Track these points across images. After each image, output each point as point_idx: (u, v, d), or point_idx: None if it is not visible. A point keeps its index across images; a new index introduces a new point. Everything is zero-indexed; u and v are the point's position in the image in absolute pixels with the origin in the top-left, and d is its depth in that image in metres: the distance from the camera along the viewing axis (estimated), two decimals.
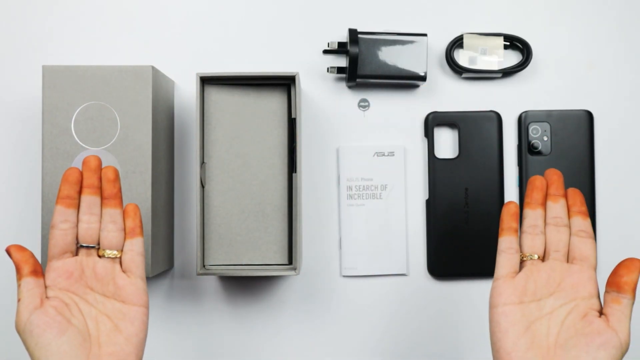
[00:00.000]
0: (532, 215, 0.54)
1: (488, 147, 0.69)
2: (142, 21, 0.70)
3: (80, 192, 0.52)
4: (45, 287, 0.51)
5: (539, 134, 0.69)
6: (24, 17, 0.70)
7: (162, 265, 0.65)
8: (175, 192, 0.70)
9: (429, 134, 0.70)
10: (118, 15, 0.70)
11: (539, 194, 0.54)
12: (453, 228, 0.69)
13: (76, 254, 0.53)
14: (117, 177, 0.53)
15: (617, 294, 0.50)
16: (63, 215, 0.51)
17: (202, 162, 0.63)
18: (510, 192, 0.70)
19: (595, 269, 0.53)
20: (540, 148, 0.69)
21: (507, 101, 0.71)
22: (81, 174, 0.52)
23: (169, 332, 0.69)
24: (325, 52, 0.69)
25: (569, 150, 0.69)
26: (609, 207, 0.70)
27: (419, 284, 0.70)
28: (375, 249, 0.69)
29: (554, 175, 0.55)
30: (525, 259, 0.53)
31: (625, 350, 0.49)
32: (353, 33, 0.67)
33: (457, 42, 0.70)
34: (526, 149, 0.69)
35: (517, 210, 0.54)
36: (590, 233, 0.53)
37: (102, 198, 0.53)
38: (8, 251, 0.51)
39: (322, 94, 0.71)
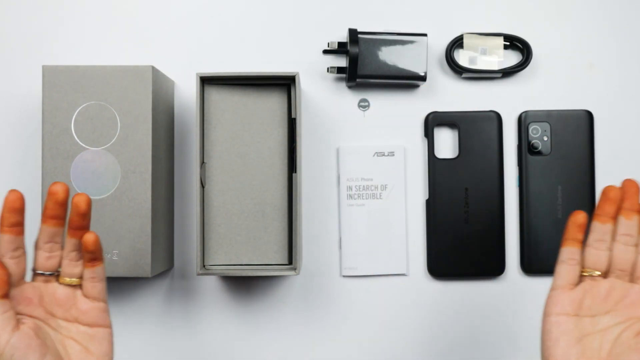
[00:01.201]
0: (601, 229, 0.51)
1: (488, 147, 0.69)
2: (142, 21, 0.70)
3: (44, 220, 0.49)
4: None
5: (539, 134, 0.69)
6: (24, 17, 0.70)
7: (162, 265, 0.65)
8: (175, 192, 0.70)
9: (429, 134, 0.69)
10: (118, 15, 0.70)
11: (611, 207, 0.51)
12: (453, 228, 0.69)
13: (32, 279, 0.51)
14: (89, 208, 0.49)
15: None
16: (11, 244, 0.48)
17: (202, 162, 0.63)
18: (510, 192, 0.70)
19: None
20: (540, 148, 0.69)
21: (507, 101, 0.71)
22: (19, 200, 0.48)
23: (168, 332, 0.69)
24: (325, 52, 0.69)
25: (569, 150, 0.69)
26: None
27: (419, 284, 0.70)
28: (375, 249, 0.69)
29: (632, 188, 0.51)
30: (585, 273, 0.52)
31: None
32: (353, 33, 0.67)
33: (457, 42, 0.70)
34: (526, 149, 0.69)
35: (585, 221, 0.51)
36: None
37: (68, 227, 0.50)
38: None
39: (322, 94, 0.71)
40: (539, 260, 0.69)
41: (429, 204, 0.69)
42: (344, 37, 0.71)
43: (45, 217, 0.49)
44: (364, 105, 0.71)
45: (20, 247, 0.49)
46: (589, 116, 0.70)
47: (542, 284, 0.70)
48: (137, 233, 0.61)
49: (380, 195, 0.70)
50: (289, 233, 0.64)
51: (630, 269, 0.51)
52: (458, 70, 0.69)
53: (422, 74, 0.68)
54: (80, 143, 0.61)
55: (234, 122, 0.64)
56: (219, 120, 0.64)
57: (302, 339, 0.70)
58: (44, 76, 0.61)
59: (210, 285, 0.70)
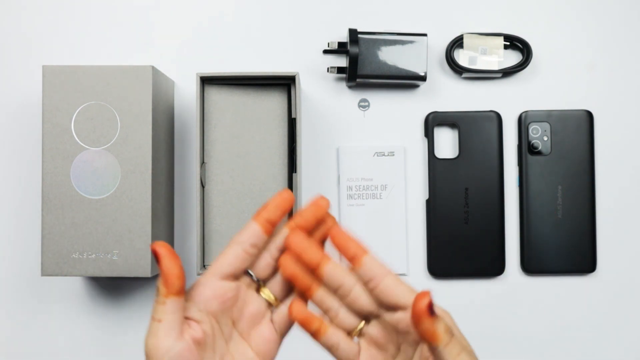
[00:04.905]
0: (317, 300, 0.45)
1: (488, 147, 0.69)
2: (142, 21, 0.70)
3: (277, 222, 0.45)
4: (191, 302, 0.43)
5: (539, 134, 0.69)
6: (24, 17, 0.70)
7: None
8: (175, 192, 0.70)
9: (429, 134, 0.70)
10: (118, 15, 0.70)
11: (303, 279, 0.45)
12: (453, 228, 0.69)
13: (238, 278, 0.45)
14: (340, 241, 0.45)
15: (429, 344, 0.41)
16: (257, 238, 0.44)
17: (202, 162, 0.63)
18: (510, 192, 0.70)
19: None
20: (540, 148, 0.69)
21: (507, 101, 0.71)
22: (293, 203, 0.45)
23: None
24: (325, 52, 0.69)
25: (569, 150, 0.69)
26: (609, 207, 0.70)
27: (419, 284, 0.70)
28: (375, 249, 0.69)
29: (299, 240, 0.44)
30: (352, 335, 0.46)
31: None
32: (353, 33, 0.67)
33: (457, 42, 0.70)
34: (526, 149, 0.69)
35: (307, 313, 0.45)
36: (380, 274, 0.44)
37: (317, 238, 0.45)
38: (156, 253, 0.42)
39: (322, 94, 0.71)
40: (539, 260, 0.69)
41: (429, 204, 0.69)
42: (344, 37, 0.71)
43: (294, 224, 0.44)
44: (364, 105, 0.71)
45: (258, 245, 0.44)
46: (589, 116, 0.70)
47: (542, 284, 0.70)
48: (137, 233, 0.61)
49: (380, 195, 0.70)
50: None
51: (376, 304, 0.45)
52: (458, 70, 0.69)
53: (422, 74, 0.68)
54: (80, 143, 0.61)
55: (234, 122, 0.64)
56: (219, 120, 0.64)
57: (302, 339, 0.70)
58: (44, 76, 0.61)
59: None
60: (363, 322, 0.45)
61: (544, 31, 0.71)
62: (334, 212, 0.70)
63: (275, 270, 0.46)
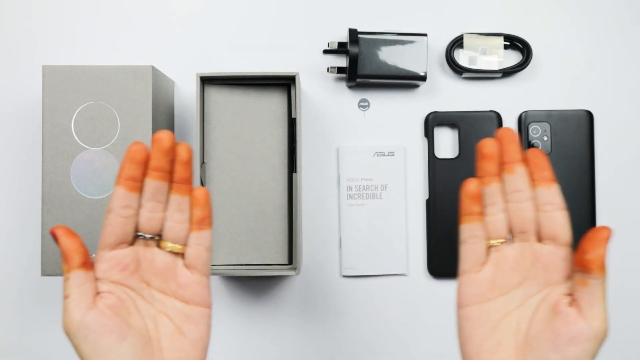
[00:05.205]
0: (488, 192, 0.45)
1: None
2: (142, 21, 0.70)
3: (144, 174, 0.44)
4: (96, 279, 0.44)
5: (539, 134, 0.69)
6: (24, 17, 0.70)
7: None
8: None
9: (429, 133, 0.70)
10: (118, 15, 0.70)
11: (491, 164, 0.45)
12: (453, 228, 0.69)
13: (132, 243, 0.45)
14: (191, 157, 0.45)
15: (583, 275, 0.42)
16: (125, 199, 0.44)
17: (202, 162, 0.63)
18: None
19: (570, 245, 0.45)
20: (540, 148, 0.69)
21: (507, 101, 0.71)
22: (148, 153, 0.44)
23: None
24: (325, 52, 0.69)
25: (569, 150, 0.69)
26: (609, 207, 0.70)
27: (419, 284, 0.70)
28: (375, 249, 0.69)
29: (507, 137, 0.44)
30: (489, 245, 0.45)
31: (602, 338, 0.42)
32: (353, 33, 0.67)
33: (457, 42, 0.70)
34: (526, 148, 0.69)
35: (479, 190, 0.45)
36: (558, 204, 0.44)
37: (170, 181, 0.45)
38: (54, 234, 0.43)
39: (322, 94, 0.71)
40: None
41: (429, 204, 0.69)
42: (344, 37, 0.71)
43: (149, 169, 0.44)
44: (364, 105, 0.71)
45: (130, 205, 0.44)
46: (589, 116, 0.70)
47: None
48: None
49: (380, 195, 0.70)
50: (289, 233, 0.64)
51: (532, 228, 0.45)
52: (458, 70, 0.69)
53: (422, 74, 0.68)
54: (80, 143, 0.61)
55: (234, 122, 0.64)
56: (219, 120, 0.64)
57: (302, 339, 0.70)
58: (44, 76, 0.61)
59: (211, 285, 0.70)
60: (505, 239, 0.45)
61: (544, 31, 0.71)
62: (334, 212, 0.70)
63: (162, 219, 0.45)
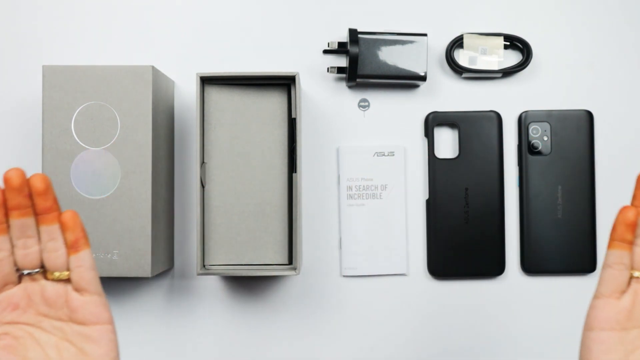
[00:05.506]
0: None
1: (488, 147, 0.69)
2: (142, 21, 0.70)
3: (7, 215, 0.44)
4: None
5: (539, 134, 0.69)
6: (24, 17, 0.70)
7: (162, 265, 0.65)
8: (175, 192, 0.70)
9: (429, 134, 0.70)
10: (118, 15, 0.70)
11: None
12: (453, 228, 0.69)
13: (19, 281, 0.46)
14: (48, 187, 0.44)
15: None
16: None
17: (202, 162, 0.63)
18: (510, 192, 0.70)
19: None
20: (540, 148, 0.69)
21: (507, 101, 0.71)
22: (3, 194, 0.44)
23: (168, 332, 0.69)
24: (325, 52, 0.69)
25: (569, 150, 0.69)
26: (609, 207, 0.70)
27: (419, 284, 0.70)
28: (375, 249, 0.69)
29: None
30: (635, 275, 0.46)
31: None
32: (353, 33, 0.67)
33: (457, 42, 0.70)
34: (526, 149, 0.69)
35: (636, 219, 0.45)
36: None
37: (35, 214, 0.45)
38: None
39: (322, 94, 0.71)
40: (539, 260, 0.69)
41: (429, 204, 0.69)
42: (344, 37, 0.71)
43: (8, 209, 0.44)
44: (364, 105, 0.71)
45: (3, 248, 0.45)
46: (589, 116, 0.70)
47: (542, 284, 0.70)
48: (137, 233, 0.61)
49: (380, 195, 0.70)
50: (289, 233, 0.64)
51: None
52: (458, 70, 0.69)
53: (422, 74, 0.68)
54: (80, 143, 0.61)
55: (234, 122, 0.64)
56: (219, 120, 0.64)
57: (302, 339, 0.70)
58: (44, 76, 0.61)
59: (211, 285, 0.70)
60: None
61: (544, 31, 0.71)
62: (334, 212, 0.70)
63: (39, 252, 0.46)
